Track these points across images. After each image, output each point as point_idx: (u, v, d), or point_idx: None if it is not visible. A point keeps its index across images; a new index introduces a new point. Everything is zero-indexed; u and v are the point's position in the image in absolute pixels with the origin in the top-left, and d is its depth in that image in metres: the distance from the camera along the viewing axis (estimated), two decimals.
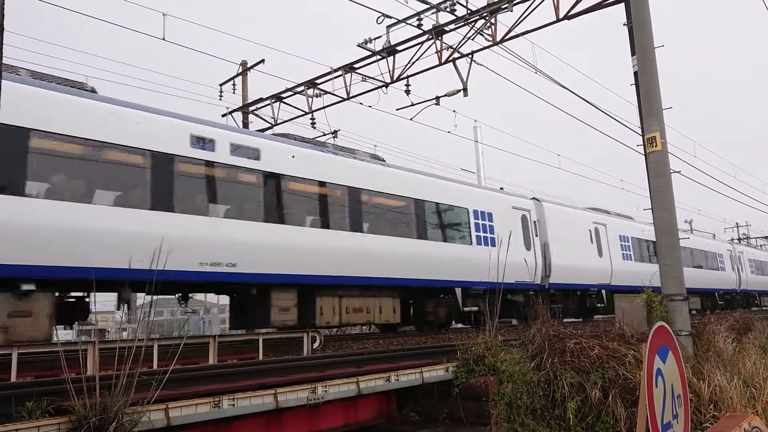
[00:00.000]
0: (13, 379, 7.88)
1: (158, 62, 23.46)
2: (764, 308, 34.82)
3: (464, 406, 8.00)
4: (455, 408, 8.09)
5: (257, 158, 12.42)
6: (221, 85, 21.97)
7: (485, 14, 15.22)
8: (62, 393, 4.80)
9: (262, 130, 21.22)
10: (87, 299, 11.00)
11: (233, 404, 5.79)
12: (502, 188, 36.81)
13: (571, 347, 8.43)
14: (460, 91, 16.77)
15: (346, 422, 7.50)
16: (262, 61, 21.39)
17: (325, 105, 19.04)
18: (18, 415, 4.67)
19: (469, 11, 15.33)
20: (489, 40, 15.42)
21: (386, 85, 17.39)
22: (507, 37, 15.13)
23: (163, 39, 15.94)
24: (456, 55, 16.18)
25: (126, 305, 10.77)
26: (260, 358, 10.57)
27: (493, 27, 15.28)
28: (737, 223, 56.67)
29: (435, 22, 15.87)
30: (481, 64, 16.30)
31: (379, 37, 16.73)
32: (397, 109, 18.16)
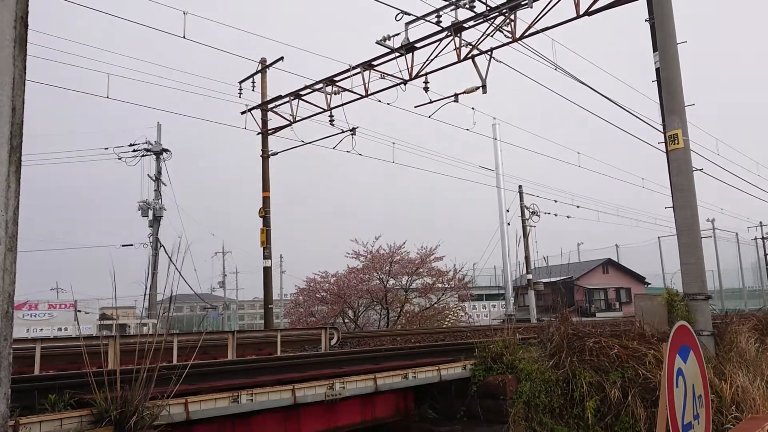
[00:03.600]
0: (37, 372, 8.01)
1: (178, 60, 23.69)
2: None
3: (482, 404, 7.99)
4: (473, 406, 8.08)
5: None
6: (240, 82, 22.10)
7: (504, 11, 15.12)
8: (84, 386, 4.87)
9: (281, 128, 21.36)
10: None
11: (251, 399, 5.83)
12: (520, 186, 36.78)
13: (590, 346, 8.36)
14: (479, 88, 16.67)
15: (364, 419, 7.52)
16: (281, 58, 21.48)
17: (344, 102, 19.06)
18: (41, 407, 4.75)
19: (488, 8, 15.23)
20: (508, 37, 15.32)
21: (405, 82, 17.36)
22: (526, 33, 15.01)
23: (183, 37, 16.08)
24: (475, 51, 16.10)
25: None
26: (278, 354, 10.63)
27: (512, 23, 15.17)
28: (761, 222, 55.69)
29: (454, 19, 15.79)
30: (500, 61, 16.21)
31: (397, 34, 16.69)
32: (415, 107, 18.12)
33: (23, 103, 1.76)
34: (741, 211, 79.03)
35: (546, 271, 46.07)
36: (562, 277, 44.17)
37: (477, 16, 15.47)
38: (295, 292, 32.81)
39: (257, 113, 21.85)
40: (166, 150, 29.90)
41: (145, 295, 20.90)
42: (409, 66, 17.01)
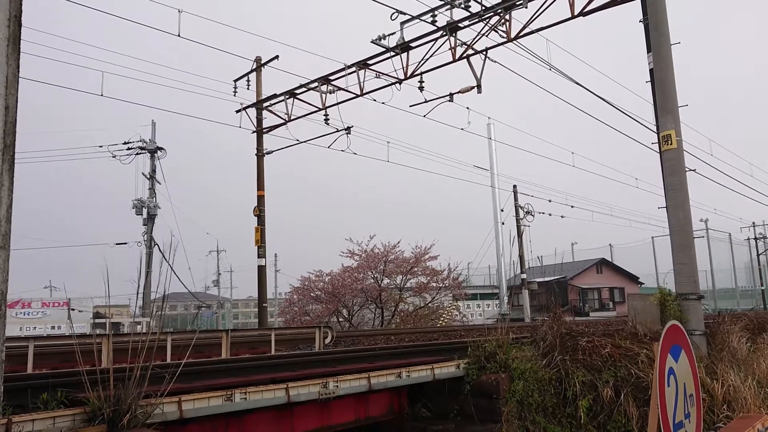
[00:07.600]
0: (30, 370, 7.99)
1: (172, 58, 23.63)
2: None
3: (475, 403, 8.01)
4: (466, 405, 8.10)
5: None
6: (235, 81, 22.06)
7: (499, 10, 15.14)
8: (77, 385, 4.86)
9: (276, 126, 21.33)
10: None
11: (245, 398, 5.83)
12: (515, 186, 36.85)
13: (583, 345, 8.40)
14: (473, 87, 16.69)
15: (357, 417, 7.53)
16: (276, 57, 21.44)
17: (339, 101, 19.05)
18: (34, 405, 4.74)
19: (483, 7, 15.25)
20: (503, 37, 15.34)
21: (400, 81, 17.35)
22: (521, 33, 15.04)
23: (179, 35, 16.03)
24: (470, 51, 16.12)
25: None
26: (272, 352, 10.62)
27: (507, 23, 15.19)
28: (753, 223, 55.92)
29: (449, 19, 15.80)
30: (495, 61, 16.24)
31: (392, 34, 16.69)
32: (410, 106, 18.11)
33: (16, 101, 1.76)
34: (734, 212, 79.40)
35: (540, 270, 46.21)
36: (556, 277, 44.29)
37: (472, 15, 15.49)
38: (290, 291, 32.85)
39: (252, 112, 21.81)
40: (160, 148, 29.82)
41: (138, 293, 20.81)
42: (404, 65, 17.01)
